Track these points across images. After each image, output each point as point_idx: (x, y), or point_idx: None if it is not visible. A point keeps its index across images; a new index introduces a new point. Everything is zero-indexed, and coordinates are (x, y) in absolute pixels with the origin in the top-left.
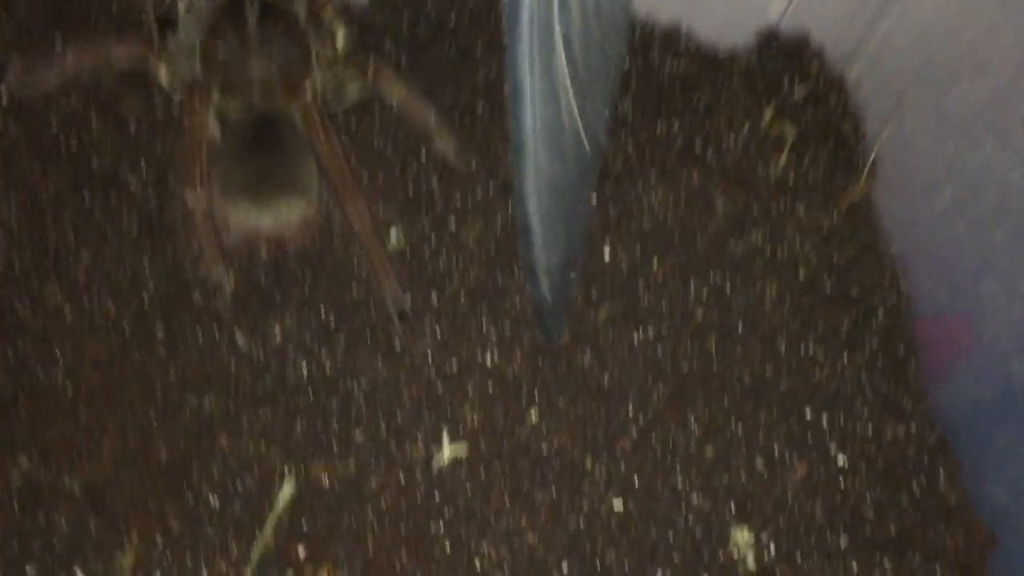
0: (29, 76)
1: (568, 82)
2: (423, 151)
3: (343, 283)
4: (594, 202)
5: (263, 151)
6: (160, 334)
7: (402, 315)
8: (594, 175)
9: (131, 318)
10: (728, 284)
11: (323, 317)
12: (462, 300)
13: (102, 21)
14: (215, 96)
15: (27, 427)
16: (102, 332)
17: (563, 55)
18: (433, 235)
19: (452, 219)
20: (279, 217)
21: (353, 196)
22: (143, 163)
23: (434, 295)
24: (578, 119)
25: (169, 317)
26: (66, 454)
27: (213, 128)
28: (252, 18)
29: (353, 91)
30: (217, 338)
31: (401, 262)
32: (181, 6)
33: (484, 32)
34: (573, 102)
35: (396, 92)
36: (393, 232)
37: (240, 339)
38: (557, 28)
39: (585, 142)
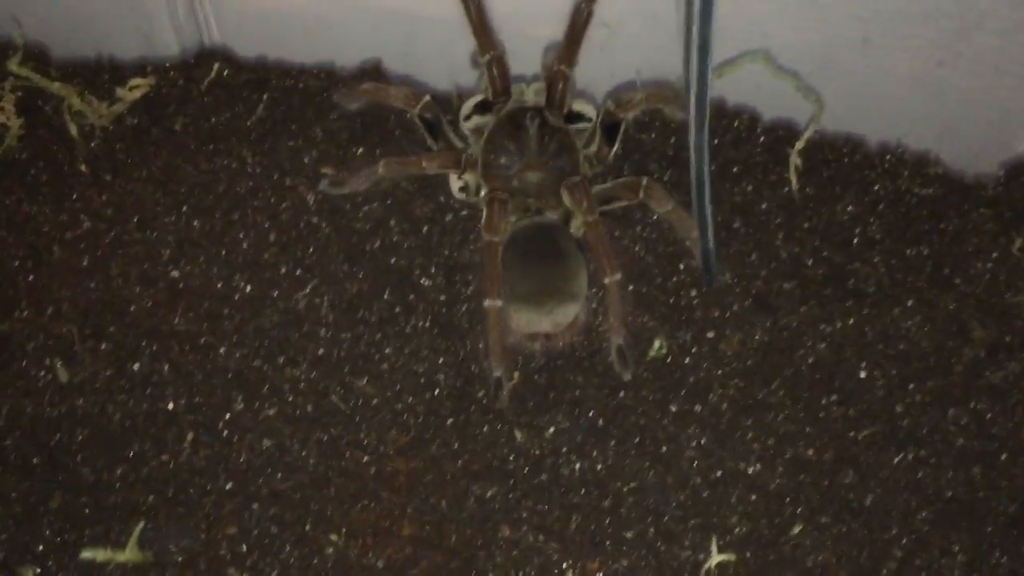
0: (342, 181)
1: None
2: (682, 264)
3: (611, 387)
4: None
5: (542, 258)
6: (450, 425)
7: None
8: None
9: (426, 410)
10: (988, 412)
11: (593, 418)
12: (724, 411)
13: (397, 134)
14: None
15: (338, 506)
16: (402, 421)
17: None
18: (694, 346)
19: (712, 331)
20: (557, 321)
21: (612, 266)
22: (434, 264)
23: (697, 406)
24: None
25: (458, 410)
26: (371, 534)
27: (505, 236)
28: (532, 129)
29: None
30: (499, 432)
31: (664, 371)
32: (469, 124)
33: (743, 153)
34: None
35: (664, 206)
36: (656, 342)
37: (518, 434)
38: None
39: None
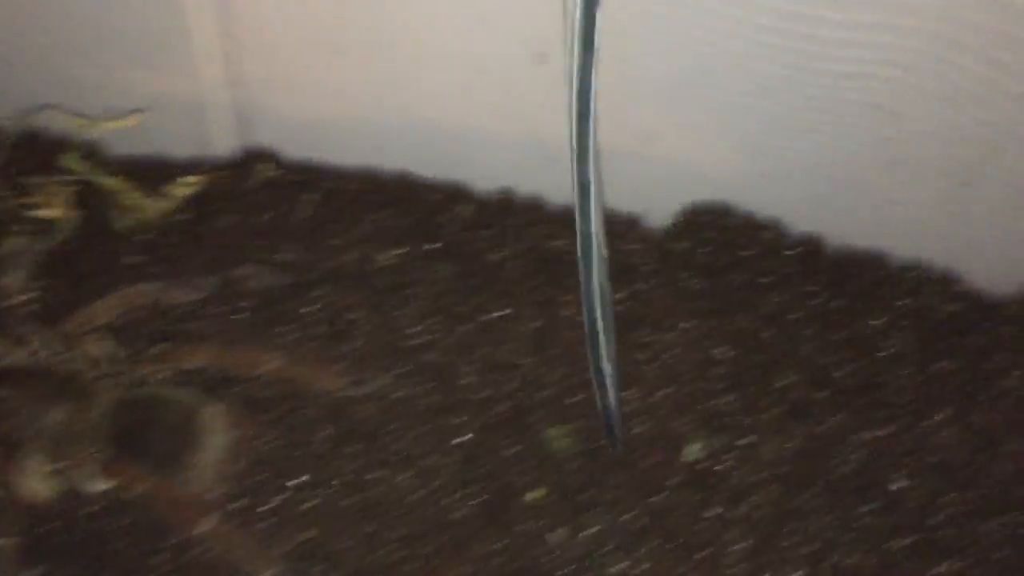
0: None
1: None
2: (717, 369)
3: (649, 489)
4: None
5: None
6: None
7: None
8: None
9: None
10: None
11: (633, 519)
12: (764, 516)
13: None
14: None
15: None
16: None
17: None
18: (731, 451)
19: (747, 437)
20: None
21: None
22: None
23: (737, 510)
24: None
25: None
26: None
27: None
28: None
29: None
30: (540, 527)
31: (701, 475)
32: None
33: (772, 264)
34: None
35: None
36: (693, 445)
37: (559, 533)
38: None
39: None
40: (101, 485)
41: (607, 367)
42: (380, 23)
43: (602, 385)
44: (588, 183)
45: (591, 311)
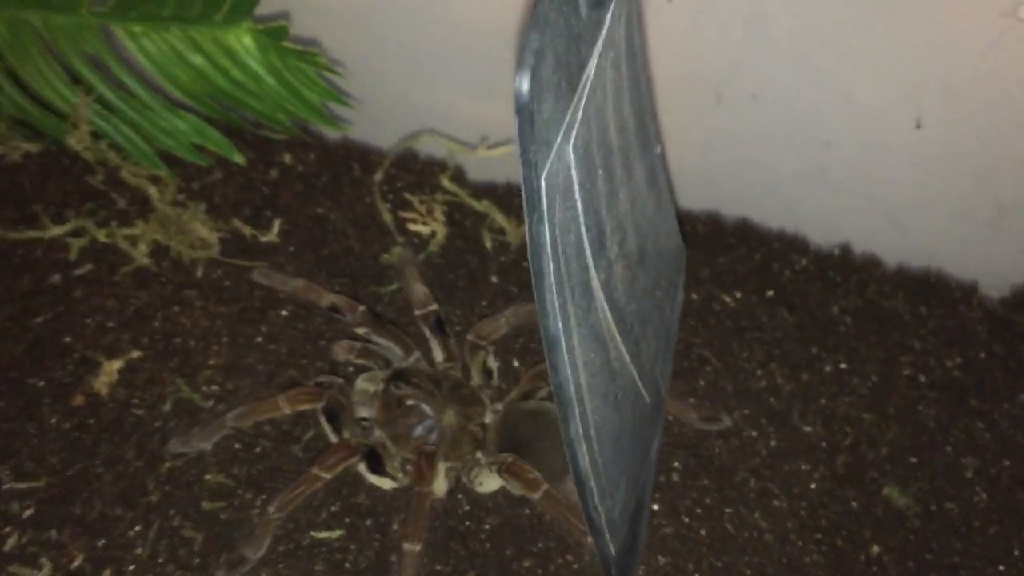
0: (187, 440)
1: (614, 328)
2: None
3: (990, 559)
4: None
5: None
6: None
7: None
8: (658, 418)
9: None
10: None
11: None
12: None
13: None
14: (441, 460)
15: None
16: None
17: (605, 303)
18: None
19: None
20: None
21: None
22: None
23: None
24: (630, 366)
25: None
26: None
27: (441, 487)
28: (396, 391)
29: None
30: None
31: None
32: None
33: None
34: (623, 349)
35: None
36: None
37: None
38: (594, 275)
39: (642, 389)
40: (494, 486)
41: (597, 515)
42: None
43: (597, 532)
44: (558, 337)
45: (574, 458)
